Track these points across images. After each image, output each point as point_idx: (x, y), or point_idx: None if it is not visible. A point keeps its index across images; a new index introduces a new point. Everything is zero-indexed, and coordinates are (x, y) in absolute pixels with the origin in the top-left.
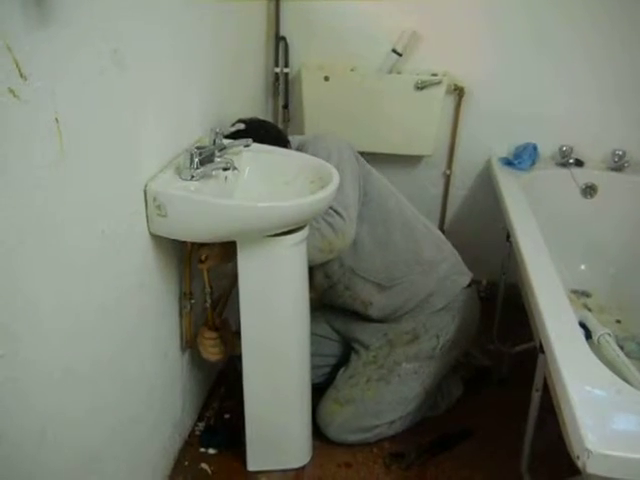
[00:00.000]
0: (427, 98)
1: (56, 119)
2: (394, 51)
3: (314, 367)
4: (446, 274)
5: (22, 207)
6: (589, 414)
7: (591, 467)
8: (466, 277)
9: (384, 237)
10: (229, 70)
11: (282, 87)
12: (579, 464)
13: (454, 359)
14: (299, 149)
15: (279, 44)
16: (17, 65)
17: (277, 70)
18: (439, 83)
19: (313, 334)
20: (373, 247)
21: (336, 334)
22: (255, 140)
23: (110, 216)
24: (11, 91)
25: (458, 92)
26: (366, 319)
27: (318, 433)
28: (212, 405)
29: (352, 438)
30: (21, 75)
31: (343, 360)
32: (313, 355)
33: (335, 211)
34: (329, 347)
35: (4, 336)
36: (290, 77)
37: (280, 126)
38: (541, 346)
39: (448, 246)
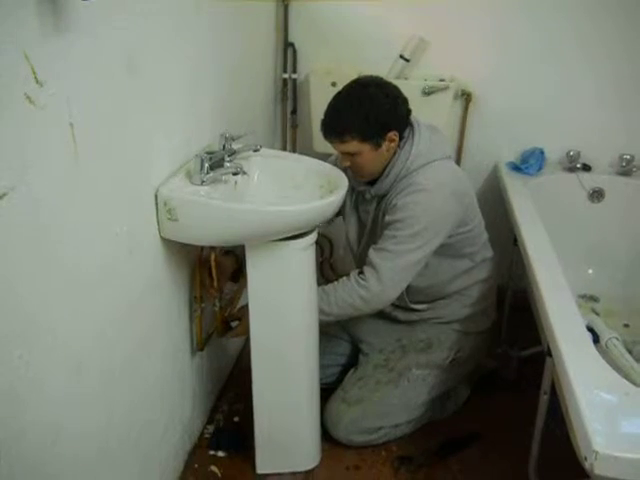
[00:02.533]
0: (434, 103)
1: (70, 124)
2: (401, 57)
3: (323, 366)
4: (477, 312)
5: (37, 213)
6: (596, 416)
7: (598, 468)
8: (489, 321)
9: (444, 270)
10: (238, 76)
11: (290, 93)
12: (586, 465)
13: (463, 374)
14: (403, 174)
15: (287, 50)
16: (33, 71)
17: (285, 76)
18: (446, 88)
19: (323, 333)
20: (427, 274)
21: (346, 334)
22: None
23: (122, 220)
24: (27, 97)
25: (465, 97)
26: (382, 320)
27: (327, 436)
28: (221, 408)
29: (358, 439)
30: (37, 81)
31: (352, 360)
32: (322, 354)
33: (379, 281)
34: (339, 346)
35: (20, 338)
36: (298, 83)
37: (288, 132)
38: (549, 349)
39: (493, 291)
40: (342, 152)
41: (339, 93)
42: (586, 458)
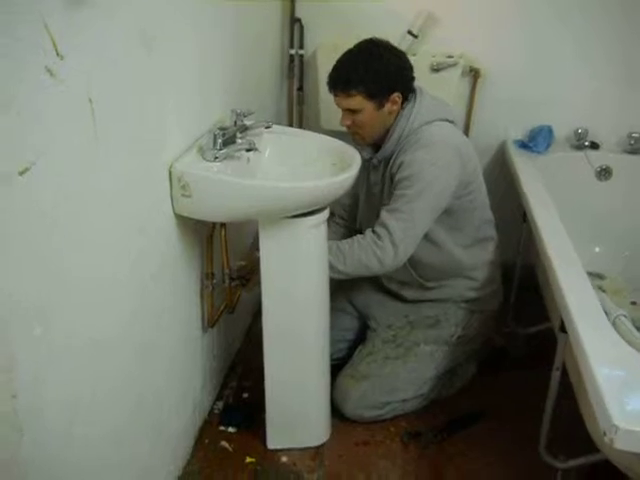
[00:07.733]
0: (442, 80)
1: (89, 99)
2: (410, 33)
3: (331, 342)
4: (485, 293)
5: (58, 187)
6: (615, 391)
7: (618, 443)
8: (497, 302)
9: (449, 242)
10: (247, 52)
11: (297, 69)
12: (606, 440)
13: (470, 351)
14: (406, 134)
15: (294, 26)
16: (54, 44)
17: (292, 52)
18: (455, 65)
19: (331, 308)
20: (433, 247)
21: (354, 309)
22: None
23: (137, 196)
24: (48, 70)
25: (474, 74)
26: (389, 296)
27: (336, 412)
28: (230, 384)
29: (367, 414)
30: (57, 54)
31: (360, 336)
32: (330, 329)
33: (392, 242)
34: (346, 321)
35: (38, 315)
36: (305, 59)
37: (294, 108)
38: (562, 325)
39: (499, 274)
40: (345, 108)
41: (349, 50)
42: (605, 433)
